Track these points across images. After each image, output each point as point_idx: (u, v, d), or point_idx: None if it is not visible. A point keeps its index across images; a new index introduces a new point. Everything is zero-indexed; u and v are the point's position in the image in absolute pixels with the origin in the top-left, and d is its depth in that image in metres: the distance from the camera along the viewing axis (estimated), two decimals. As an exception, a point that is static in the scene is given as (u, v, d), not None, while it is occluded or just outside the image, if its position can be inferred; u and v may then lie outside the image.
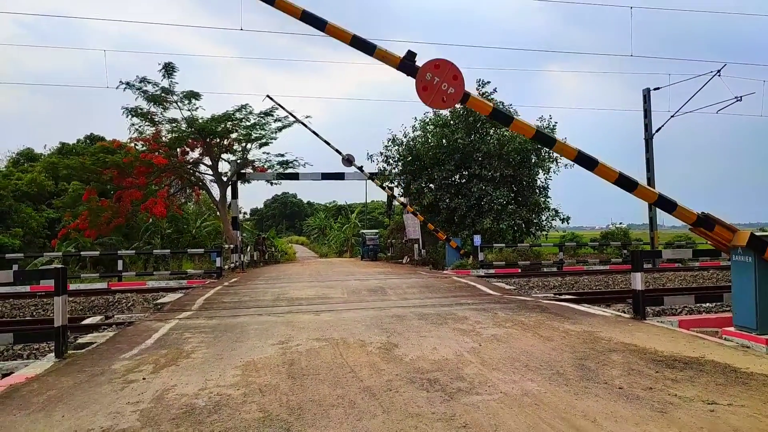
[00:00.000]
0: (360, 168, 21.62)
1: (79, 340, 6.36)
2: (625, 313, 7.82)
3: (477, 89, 20.14)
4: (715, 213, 6.39)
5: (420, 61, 7.14)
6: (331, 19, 7.60)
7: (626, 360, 4.58)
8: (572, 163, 18.83)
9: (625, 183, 7.19)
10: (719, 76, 18.55)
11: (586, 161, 7.38)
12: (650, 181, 20.47)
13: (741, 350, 4.98)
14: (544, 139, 7.91)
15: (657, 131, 20.51)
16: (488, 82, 20.14)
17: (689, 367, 4.30)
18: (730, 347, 5.11)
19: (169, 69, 20.62)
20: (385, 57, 7.22)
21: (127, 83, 20.63)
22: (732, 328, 5.90)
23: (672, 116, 20.35)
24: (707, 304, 10.08)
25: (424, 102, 6.87)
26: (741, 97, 18.68)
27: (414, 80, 6.94)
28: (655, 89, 20.77)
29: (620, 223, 28.18)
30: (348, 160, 21.27)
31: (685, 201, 6.90)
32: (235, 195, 22.84)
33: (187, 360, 4.96)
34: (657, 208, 20.35)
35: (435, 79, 6.53)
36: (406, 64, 7.09)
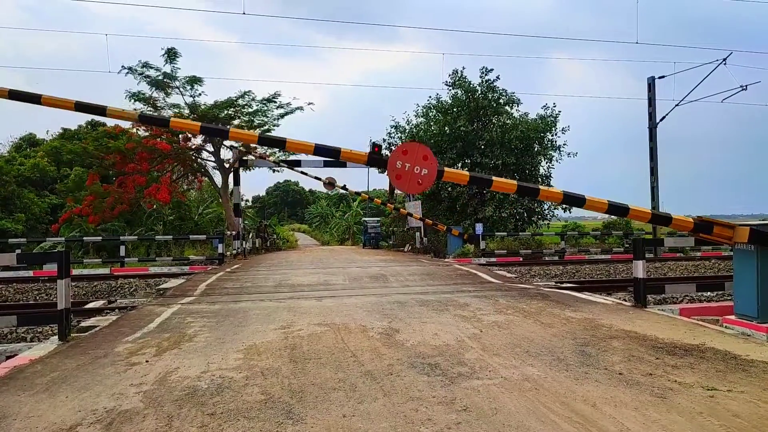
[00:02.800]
0: (343, 187, 21.46)
1: (83, 324, 6.40)
2: (626, 301, 7.84)
3: (480, 77, 20.04)
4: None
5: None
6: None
7: (627, 346, 4.60)
8: (575, 152, 18.46)
9: (617, 210, 7.26)
10: (725, 64, 18.41)
11: (574, 200, 7.41)
12: (654, 170, 20.40)
13: (741, 338, 4.99)
14: (527, 190, 7.87)
15: (661, 120, 20.40)
16: (491, 70, 20.05)
17: (689, 354, 4.32)
18: (731, 335, 5.12)
19: (171, 54, 20.50)
20: (351, 156, 7.24)
21: (129, 68, 20.54)
22: (733, 317, 5.91)
23: (677, 105, 20.24)
24: (708, 293, 10.10)
25: (400, 189, 6.84)
26: (746, 86, 18.55)
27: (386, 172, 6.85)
28: (660, 77, 20.63)
29: (622, 213, 28.11)
30: (330, 184, 21.17)
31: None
32: (237, 182, 22.82)
33: (189, 344, 4.99)
34: (660, 199, 20.29)
35: (406, 165, 6.42)
36: (374, 158, 7.10)
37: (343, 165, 23.48)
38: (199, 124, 7.22)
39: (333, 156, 7.18)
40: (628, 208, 6.92)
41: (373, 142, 6.91)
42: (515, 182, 7.37)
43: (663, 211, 6.97)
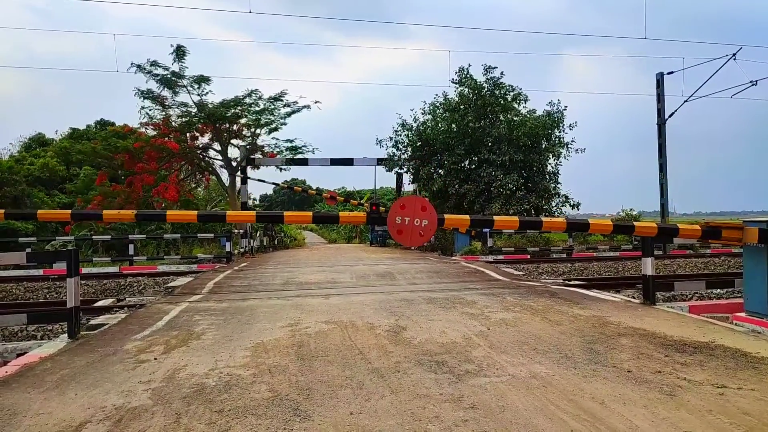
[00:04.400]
0: (346, 199, 21.49)
1: (92, 322, 6.44)
2: (635, 298, 7.79)
3: (483, 74, 19.95)
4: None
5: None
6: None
7: (635, 344, 4.57)
8: (584, 148, 18.39)
9: (623, 228, 7.36)
10: (734, 59, 18.24)
11: (578, 226, 7.45)
12: (663, 166, 20.25)
13: (752, 335, 4.94)
14: (530, 224, 7.91)
15: (670, 116, 20.25)
16: (495, 68, 19.90)
17: (699, 352, 4.28)
18: (741, 332, 5.07)
19: (180, 52, 20.56)
20: (350, 219, 7.33)
21: (138, 66, 20.64)
22: (743, 314, 5.86)
23: (685, 101, 20.09)
24: (718, 290, 10.02)
25: (402, 244, 6.82)
26: (756, 81, 18.37)
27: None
28: (668, 73, 20.48)
29: (631, 210, 27.95)
30: (332, 198, 21.27)
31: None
32: (244, 181, 22.92)
33: (197, 341, 5.01)
34: (669, 196, 20.14)
35: (405, 220, 6.42)
36: (373, 216, 7.14)
37: (350, 163, 23.56)
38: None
39: (332, 221, 7.34)
40: (633, 226, 6.91)
41: (372, 201, 6.96)
42: (517, 219, 7.44)
43: (670, 223, 6.96)
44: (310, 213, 7.12)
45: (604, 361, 4.07)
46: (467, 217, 7.43)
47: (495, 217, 7.38)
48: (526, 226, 7.64)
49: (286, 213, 7.11)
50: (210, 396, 3.44)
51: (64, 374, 4.04)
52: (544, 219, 7.23)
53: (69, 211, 7.20)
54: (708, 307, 7.29)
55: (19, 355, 5.48)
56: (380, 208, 7.16)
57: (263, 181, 20.75)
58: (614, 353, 4.28)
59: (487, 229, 17.75)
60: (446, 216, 6.78)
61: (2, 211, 7.60)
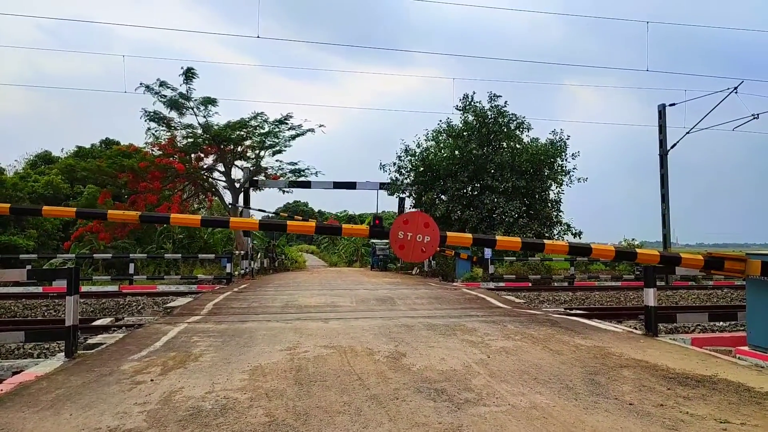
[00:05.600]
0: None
1: (89, 341, 6.40)
2: (636, 329, 7.73)
3: (488, 102, 20.17)
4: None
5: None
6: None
7: (637, 376, 4.52)
8: (585, 177, 18.42)
9: (625, 255, 7.33)
10: (736, 93, 18.40)
11: (581, 250, 7.46)
12: (665, 197, 20.28)
13: (755, 370, 4.88)
14: (532, 246, 7.93)
15: (672, 147, 20.35)
16: (499, 96, 20.13)
17: (702, 385, 4.23)
18: (744, 366, 5.02)
19: (189, 74, 20.85)
20: (353, 231, 7.35)
21: (147, 86, 20.91)
22: (746, 348, 5.80)
23: (687, 132, 20.18)
24: (721, 323, 9.92)
25: (404, 259, 6.82)
26: (758, 114, 18.50)
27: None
28: (670, 105, 20.63)
29: (633, 239, 27.88)
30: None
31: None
32: (247, 202, 22.97)
33: (195, 363, 4.97)
34: (671, 226, 20.13)
35: (408, 235, 6.44)
36: (376, 230, 7.20)
37: (353, 187, 23.64)
38: (313, 225, 7.41)
39: (335, 233, 7.32)
40: (635, 253, 6.90)
41: (374, 215, 6.97)
42: (519, 240, 7.41)
43: (672, 252, 6.95)
44: (313, 223, 7.10)
45: (605, 392, 4.02)
46: (470, 235, 7.41)
47: (497, 237, 7.35)
48: (528, 247, 7.59)
49: (289, 222, 7.10)
50: (206, 420, 3.39)
51: (60, 394, 4.00)
52: (546, 241, 7.22)
53: (74, 209, 7.20)
54: (711, 339, 7.21)
55: (15, 373, 5.43)
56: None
57: (263, 211, 20.84)
58: (616, 385, 4.23)
59: (489, 255, 17.72)
60: (449, 233, 6.77)
61: (7, 204, 7.60)
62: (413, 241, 6.34)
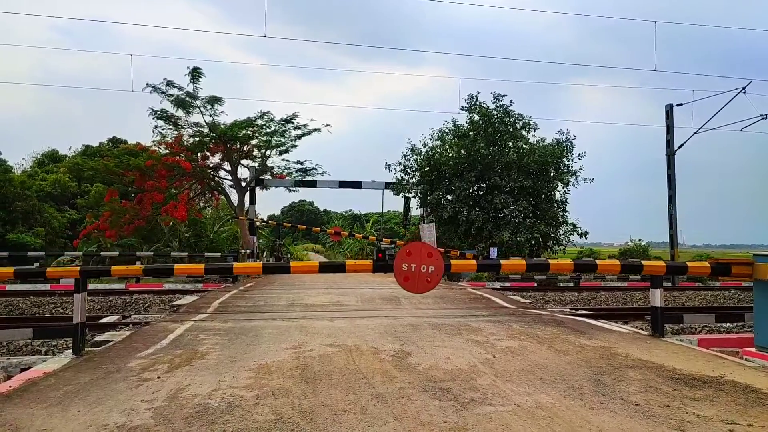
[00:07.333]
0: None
1: (97, 338, 6.45)
2: (643, 330, 7.70)
3: (492, 102, 20.13)
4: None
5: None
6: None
7: (643, 377, 4.50)
8: (592, 177, 18.34)
9: (631, 268, 7.31)
10: (744, 93, 18.29)
11: (586, 267, 7.45)
12: (672, 198, 20.19)
13: (762, 371, 4.86)
14: (536, 266, 7.91)
15: (679, 147, 20.25)
16: (504, 96, 20.09)
17: (708, 386, 4.22)
18: (751, 368, 4.99)
19: (195, 74, 20.91)
20: (356, 267, 7.34)
21: (153, 86, 20.99)
22: (753, 349, 5.76)
23: (695, 133, 20.09)
24: (728, 324, 9.87)
25: (410, 291, 6.76)
26: (766, 114, 18.37)
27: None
28: (678, 105, 20.53)
29: (639, 240, 27.74)
30: (337, 234, 21.34)
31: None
32: (253, 201, 23.01)
33: (201, 361, 4.99)
34: (678, 227, 20.02)
35: (412, 267, 6.42)
36: (379, 264, 7.21)
37: (358, 186, 23.64)
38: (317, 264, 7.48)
39: (339, 270, 7.33)
40: (642, 265, 6.86)
41: (378, 248, 6.95)
42: (524, 261, 7.40)
43: (678, 261, 6.93)
44: (317, 263, 7.20)
45: (611, 393, 4.01)
46: (474, 262, 7.43)
47: (502, 261, 7.35)
48: (532, 269, 7.58)
49: (293, 263, 7.26)
50: (212, 417, 3.41)
51: (68, 390, 4.03)
52: (551, 261, 7.18)
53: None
54: (717, 341, 7.18)
55: (23, 370, 5.47)
56: (385, 254, 7.13)
57: (265, 222, 20.97)
58: (622, 385, 4.22)
59: (494, 255, 17.67)
60: (453, 262, 6.78)
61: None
62: (417, 272, 6.34)
